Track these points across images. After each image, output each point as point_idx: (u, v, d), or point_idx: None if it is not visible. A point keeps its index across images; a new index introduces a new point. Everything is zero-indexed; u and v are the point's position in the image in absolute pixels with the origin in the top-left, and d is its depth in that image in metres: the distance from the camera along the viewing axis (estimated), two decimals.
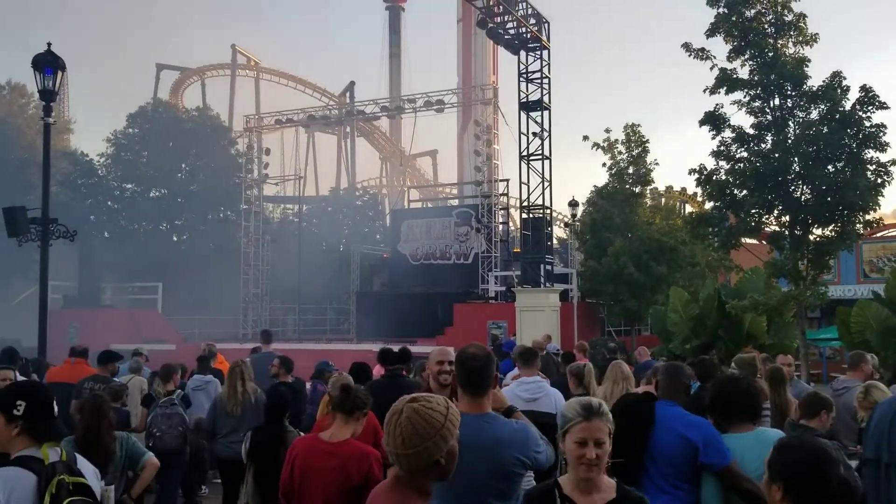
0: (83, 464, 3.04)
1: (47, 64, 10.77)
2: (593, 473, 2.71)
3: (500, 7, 22.90)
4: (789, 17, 14.77)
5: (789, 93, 14.66)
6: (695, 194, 23.94)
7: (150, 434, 7.29)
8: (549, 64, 23.13)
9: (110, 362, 8.43)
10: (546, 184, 22.86)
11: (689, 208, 29.50)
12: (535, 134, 22.85)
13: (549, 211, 23.48)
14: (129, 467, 5.01)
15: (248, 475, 5.63)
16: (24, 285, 28.74)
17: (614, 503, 2.73)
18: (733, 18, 14.92)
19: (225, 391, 7.20)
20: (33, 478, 2.78)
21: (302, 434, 5.30)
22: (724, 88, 14.99)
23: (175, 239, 36.68)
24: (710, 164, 15.31)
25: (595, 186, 25.77)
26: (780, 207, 14.89)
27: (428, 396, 2.39)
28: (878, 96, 13.94)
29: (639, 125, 24.73)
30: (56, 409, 3.01)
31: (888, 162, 13.95)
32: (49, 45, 10.99)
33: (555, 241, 28.15)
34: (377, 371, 7.73)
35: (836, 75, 14.26)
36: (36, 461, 2.84)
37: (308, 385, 8.85)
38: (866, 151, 14.04)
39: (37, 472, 2.79)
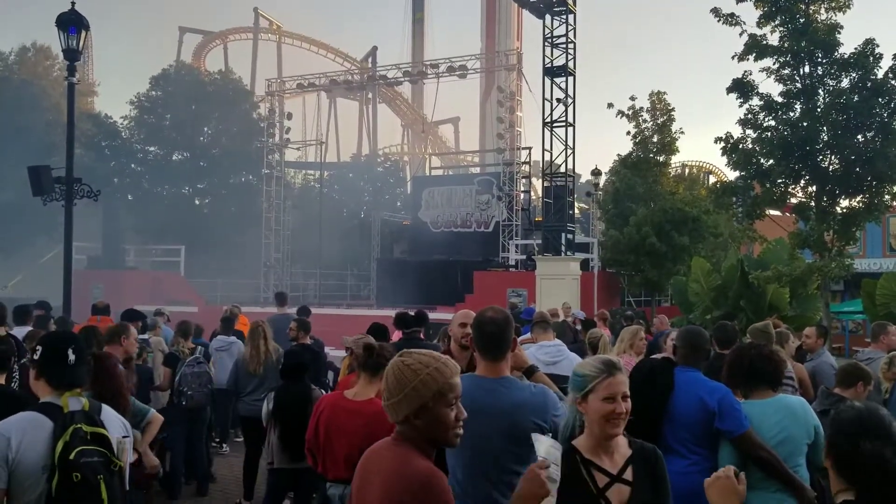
0: (109, 415, 3.08)
1: (71, 23, 10.77)
2: (620, 429, 2.65)
3: None
4: None
5: (820, 60, 14.38)
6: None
7: (181, 392, 7.38)
8: (574, 28, 22.78)
9: (133, 321, 8.51)
10: (569, 151, 22.67)
11: (712, 178, 29.18)
12: (558, 100, 22.59)
13: (571, 178, 23.29)
14: (133, 426, 5.06)
15: (270, 435, 5.68)
16: (49, 246, 29.11)
17: (632, 459, 2.68)
18: None
19: (247, 351, 7.32)
20: (50, 424, 2.83)
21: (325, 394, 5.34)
22: (754, 55, 14.73)
23: (197, 202, 36.86)
24: (737, 132, 15.11)
25: (618, 155, 25.60)
26: (808, 177, 14.69)
27: (423, 351, 2.31)
28: None
29: (664, 93, 24.49)
30: (74, 357, 3.02)
31: None
32: (73, 3, 10.99)
33: (576, 211, 27.98)
34: (395, 336, 7.75)
35: (869, 43, 13.95)
36: (56, 408, 2.88)
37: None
38: None
39: (54, 419, 2.84)
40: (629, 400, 2.66)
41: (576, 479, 2.60)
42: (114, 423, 3.07)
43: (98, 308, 9.26)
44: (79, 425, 2.84)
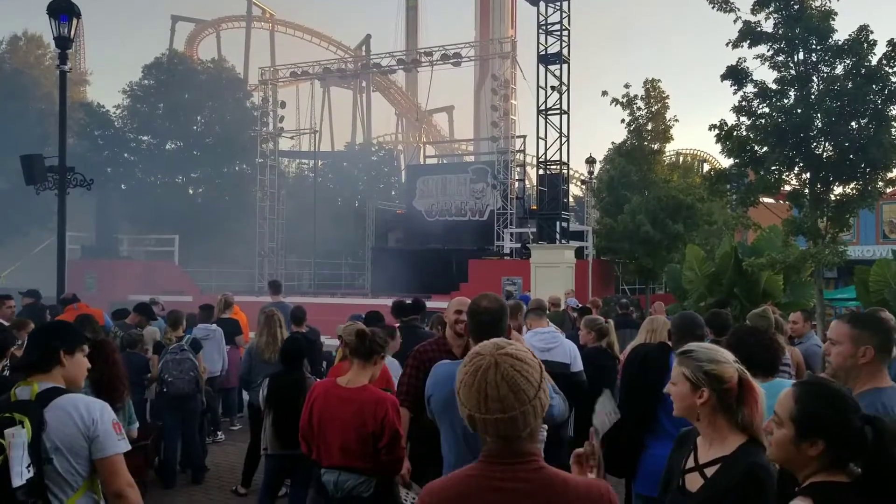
0: (63, 406, 2.84)
1: (62, 11, 10.68)
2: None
3: None
4: None
5: (814, 47, 14.34)
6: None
7: (163, 380, 7.37)
8: (568, 15, 22.72)
9: (121, 319, 8.57)
10: (563, 139, 22.63)
11: (706, 167, 29.20)
12: (553, 88, 22.55)
13: (566, 166, 23.27)
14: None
15: (266, 421, 5.70)
16: (42, 236, 29.03)
17: (725, 461, 2.52)
18: None
19: (263, 339, 7.30)
20: None
21: None
22: (748, 42, 14.69)
23: (191, 192, 36.71)
24: (731, 119, 15.11)
25: (613, 143, 25.59)
26: (801, 164, 14.69)
27: (519, 347, 1.92)
28: None
29: (659, 80, 24.48)
30: (37, 343, 3.01)
31: None
32: None
33: (571, 199, 27.97)
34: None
35: (863, 29, 13.91)
36: (6, 398, 2.89)
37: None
38: (892, 107, 13.77)
39: None
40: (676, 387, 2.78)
41: (684, 450, 2.72)
42: (65, 415, 2.81)
43: (68, 299, 9.33)
44: (8, 414, 2.76)
